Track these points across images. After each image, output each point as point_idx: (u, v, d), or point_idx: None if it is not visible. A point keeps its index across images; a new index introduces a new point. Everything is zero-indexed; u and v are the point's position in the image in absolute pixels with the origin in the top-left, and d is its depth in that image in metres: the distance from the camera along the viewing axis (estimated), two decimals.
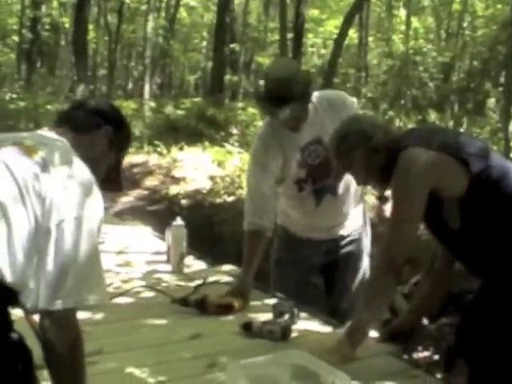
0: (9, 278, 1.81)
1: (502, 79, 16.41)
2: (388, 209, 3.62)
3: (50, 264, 1.86)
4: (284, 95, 3.09)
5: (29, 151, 1.97)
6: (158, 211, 9.36)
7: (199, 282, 3.49)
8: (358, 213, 3.64)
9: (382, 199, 3.31)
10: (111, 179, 2.31)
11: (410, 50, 19.93)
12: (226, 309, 3.17)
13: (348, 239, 3.61)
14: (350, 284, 3.62)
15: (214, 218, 8.85)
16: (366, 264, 3.68)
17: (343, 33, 13.24)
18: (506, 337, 2.43)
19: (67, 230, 1.88)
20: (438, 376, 2.62)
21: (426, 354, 4.38)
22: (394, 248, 2.56)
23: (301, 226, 3.53)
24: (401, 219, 2.54)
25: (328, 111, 3.34)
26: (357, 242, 3.64)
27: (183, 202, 9.82)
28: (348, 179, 3.45)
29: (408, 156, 2.49)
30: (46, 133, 2.18)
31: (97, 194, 2.01)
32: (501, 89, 15.35)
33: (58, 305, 1.87)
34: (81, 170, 2.01)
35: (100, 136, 2.23)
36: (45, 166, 1.93)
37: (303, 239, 3.55)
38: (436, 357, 4.40)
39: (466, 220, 2.48)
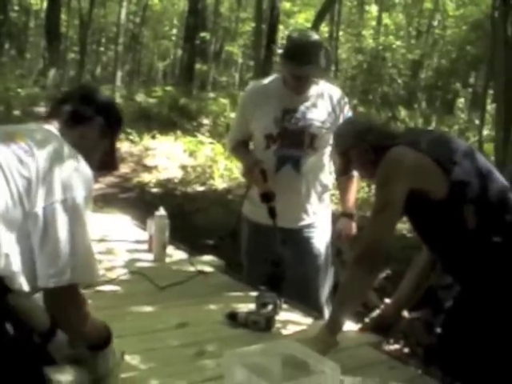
0: None
1: (471, 80, 16.67)
2: (354, 226, 3.78)
3: (42, 246, 1.94)
4: (313, 55, 3.43)
5: (15, 138, 2.04)
6: (130, 199, 9.39)
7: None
8: (321, 211, 3.77)
9: None
10: (106, 161, 2.38)
11: (379, 46, 20.10)
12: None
13: (305, 234, 3.73)
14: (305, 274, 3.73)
15: (186, 207, 8.90)
16: (322, 260, 3.79)
17: (315, 27, 13.30)
18: (485, 344, 2.57)
19: (55, 213, 1.95)
20: (412, 368, 2.73)
21: (397, 346, 4.52)
22: (372, 238, 2.65)
23: (261, 208, 3.56)
24: (380, 210, 2.64)
25: (325, 98, 3.63)
26: (314, 238, 3.75)
27: (155, 190, 9.86)
28: (319, 173, 3.65)
29: (394, 153, 2.62)
30: (36, 124, 2.24)
31: (81, 175, 2.06)
32: (470, 89, 15.58)
33: (53, 283, 1.96)
34: (65, 154, 2.07)
35: (91, 127, 2.28)
36: (29, 150, 2.00)
37: (265, 227, 3.59)
38: (406, 350, 4.54)
39: (444, 223, 2.61)
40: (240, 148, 3.78)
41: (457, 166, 2.57)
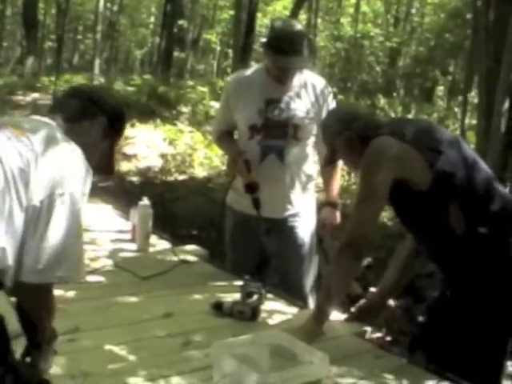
0: None
1: (450, 68, 16.74)
2: (338, 215, 3.79)
3: (33, 240, 1.90)
4: (297, 45, 3.39)
5: (16, 132, 2.00)
6: (110, 188, 9.33)
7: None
8: (305, 201, 3.77)
9: None
10: (103, 164, 2.36)
11: (358, 33, 20.14)
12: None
13: (290, 224, 3.73)
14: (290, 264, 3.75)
15: (166, 196, 8.88)
16: (307, 249, 3.79)
17: (294, 15, 13.32)
18: (470, 333, 2.59)
19: (51, 207, 1.92)
20: (398, 357, 2.75)
21: (379, 335, 4.55)
22: (356, 226, 2.66)
23: (246, 198, 3.57)
24: (364, 198, 2.66)
25: (309, 88, 3.62)
26: (299, 227, 3.75)
27: (134, 179, 9.82)
28: (303, 163, 3.65)
29: (378, 143, 2.64)
30: (38, 117, 2.21)
31: (80, 171, 2.05)
32: (450, 77, 15.67)
33: (40, 279, 1.94)
34: (65, 149, 2.04)
35: (94, 126, 2.25)
36: (30, 144, 1.96)
37: (249, 217, 3.60)
38: (388, 338, 4.57)
39: (428, 213, 2.63)
40: (224, 138, 3.77)
41: (442, 156, 2.58)
